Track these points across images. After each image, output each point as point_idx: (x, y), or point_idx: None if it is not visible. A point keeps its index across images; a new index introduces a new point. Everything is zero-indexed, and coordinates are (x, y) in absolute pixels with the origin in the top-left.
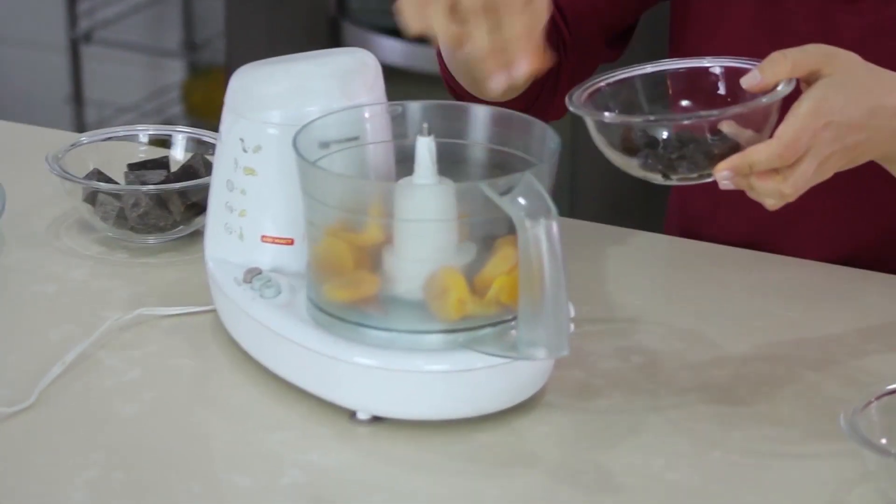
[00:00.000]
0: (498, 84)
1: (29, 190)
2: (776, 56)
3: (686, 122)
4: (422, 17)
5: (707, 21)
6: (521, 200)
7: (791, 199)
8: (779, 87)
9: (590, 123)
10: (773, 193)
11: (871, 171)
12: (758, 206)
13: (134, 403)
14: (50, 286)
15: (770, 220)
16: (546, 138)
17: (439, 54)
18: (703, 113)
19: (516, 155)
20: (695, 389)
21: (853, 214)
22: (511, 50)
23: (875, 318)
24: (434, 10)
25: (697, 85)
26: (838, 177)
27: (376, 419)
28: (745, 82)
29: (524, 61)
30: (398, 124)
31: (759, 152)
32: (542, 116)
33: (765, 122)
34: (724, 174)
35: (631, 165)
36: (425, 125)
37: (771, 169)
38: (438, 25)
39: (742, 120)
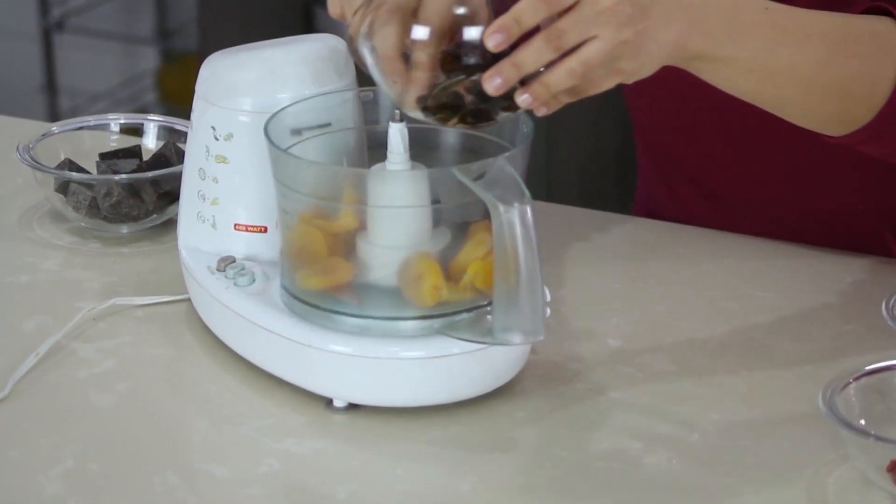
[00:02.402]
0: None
1: (0, 180)
2: None
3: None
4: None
5: None
6: (495, 185)
7: (587, 50)
8: None
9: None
10: (552, 39)
11: (820, 151)
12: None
13: (108, 394)
14: (23, 277)
15: (728, 203)
16: (519, 123)
17: None
18: None
19: (489, 140)
20: (672, 372)
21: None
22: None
23: (853, 298)
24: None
25: None
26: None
27: (352, 406)
28: None
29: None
30: (370, 110)
31: (520, 2)
32: None
33: None
34: (495, 38)
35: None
36: (397, 111)
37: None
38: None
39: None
